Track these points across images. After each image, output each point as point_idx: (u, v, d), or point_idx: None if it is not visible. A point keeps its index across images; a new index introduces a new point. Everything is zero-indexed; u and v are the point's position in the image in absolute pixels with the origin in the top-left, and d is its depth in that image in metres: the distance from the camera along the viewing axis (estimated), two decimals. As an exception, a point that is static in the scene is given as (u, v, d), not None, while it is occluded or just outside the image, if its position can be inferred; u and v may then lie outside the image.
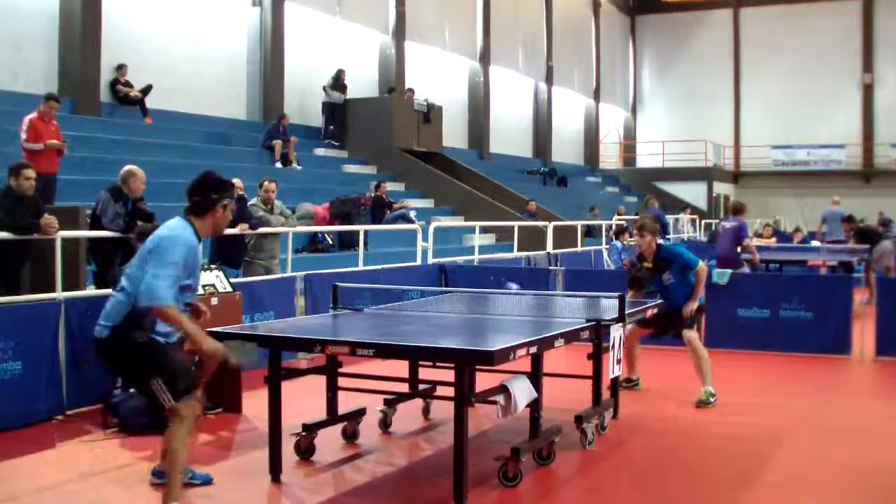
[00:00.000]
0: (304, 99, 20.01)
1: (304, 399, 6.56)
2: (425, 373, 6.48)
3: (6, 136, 11.18)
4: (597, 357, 6.12)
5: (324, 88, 19.85)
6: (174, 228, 4.62)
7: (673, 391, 8.04)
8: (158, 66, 16.32)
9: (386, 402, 6.46)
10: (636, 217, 21.00)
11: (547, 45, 31.05)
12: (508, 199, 21.20)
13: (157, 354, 4.58)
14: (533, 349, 4.96)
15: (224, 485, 5.36)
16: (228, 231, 9.48)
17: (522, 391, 5.21)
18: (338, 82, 19.85)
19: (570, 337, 5.49)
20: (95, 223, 8.11)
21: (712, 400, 7.33)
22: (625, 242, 16.82)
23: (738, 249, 12.61)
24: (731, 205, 13.91)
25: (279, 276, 9.89)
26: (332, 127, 20.11)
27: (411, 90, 21.81)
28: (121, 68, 15.51)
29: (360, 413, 6.22)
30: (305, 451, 5.73)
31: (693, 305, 7.44)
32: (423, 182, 20.39)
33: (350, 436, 6.17)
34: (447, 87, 25.50)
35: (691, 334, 7.42)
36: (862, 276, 12.96)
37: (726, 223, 12.95)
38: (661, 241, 8.04)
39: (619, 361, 6.33)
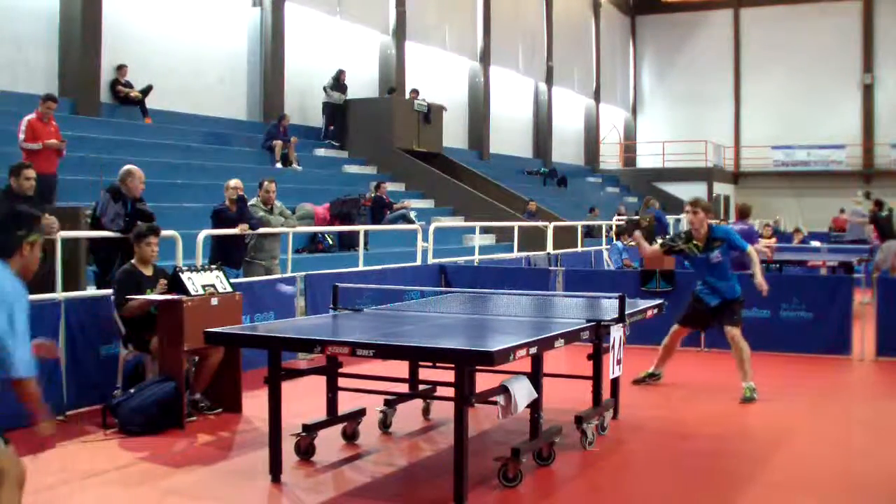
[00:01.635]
0: (304, 99, 20.01)
1: (304, 399, 6.57)
2: (425, 373, 6.48)
3: (6, 136, 11.18)
4: (597, 357, 6.12)
5: (324, 89, 19.85)
6: (13, 281, 3.80)
7: (673, 392, 8.05)
8: (158, 67, 16.32)
9: (386, 402, 6.45)
10: (636, 217, 21.03)
11: (547, 45, 31.05)
12: (508, 200, 21.20)
13: None
14: (533, 350, 4.96)
15: (224, 485, 5.37)
16: (229, 231, 9.53)
17: (522, 391, 5.21)
18: (338, 83, 19.86)
19: (570, 337, 5.49)
20: (95, 223, 8.12)
21: (755, 395, 7.48)
22: (625, 242, 16.83)
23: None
24: (740, 208, 13.98)
25: (279, 276, 9.89)
26: (332, 127, 20.11)
27: (415, 91, 21.82)
28: (121, 69, 15.50)
29: (360, 413, 6.22)
30: (305, 451, 5.73)
31: (761, 278, 7.66)
32: (423, 182, 20.39)
33: (350, 436, 6.18)
34: (447, 87, 25.50)
35: (735, 331, 7.62)
36: (862, 276, 12.94)
37: (736, 226, 13.01)
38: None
39: (618, 362, 6.33)
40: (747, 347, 7.62)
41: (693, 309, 7.97)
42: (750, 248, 7.79)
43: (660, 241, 8.26)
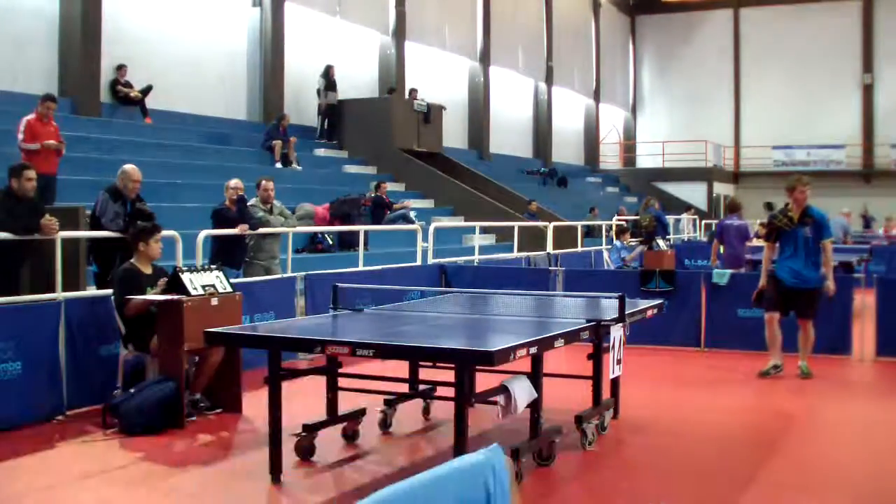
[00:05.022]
0: (303, 99, 20.01)
1: (304, 399, 6.57)
2: (425, 373, 6.47)
3: (6, 136, 11.18)
4: (597, 357, 6.11)
5: (317, 91, 19.79)
6: None
7: (673, 391, 8.04)
8: (158, 66, 16.32)
9: (386, 402, 6.45)
10: (636, 217, 21.04)
11: (547, 45, 31.05)
12: (508, 200, 21.20)
13: None
14: (533, 349, 4.96)
15: (224, 485, 5.36)
16: (229, 231, 9.51)
17: (522, 391, 5.20)
18: (328, 79, 19.67)
19: (570, 337, 5.49)
20: (95, 223, 8.12)
21: (811, 373, 8.32)
22: (625, 242, 16.84)
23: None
24: (730, 203, 13.87)
25: (279, 276, 9.89)
26: (326, 127, 20.11)
27: (414, 90, 21.81)
28: (121, 69, 15.50)
29: (360, 413, 6.22)
30: (305, 451, 5.73)
31: (832, 284, 8.19)
32: (423, 182, 20.39)
33: (350, 436, 6.17)
34: (447, 87, 25.50)
35: (809, 322, 8.28)
36: (862, 276, 12.93)
37: (731, 222, 12.89)
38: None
39: (618, 362, 6.32)
40: (813, 336, 8.31)
41: (773, 289, 8.29)
42: (828, 243, 8.21)
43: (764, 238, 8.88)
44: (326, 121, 20.14)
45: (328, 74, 19.72)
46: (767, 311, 8.41)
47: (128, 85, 15.65)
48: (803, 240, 8.10)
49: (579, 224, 18.91)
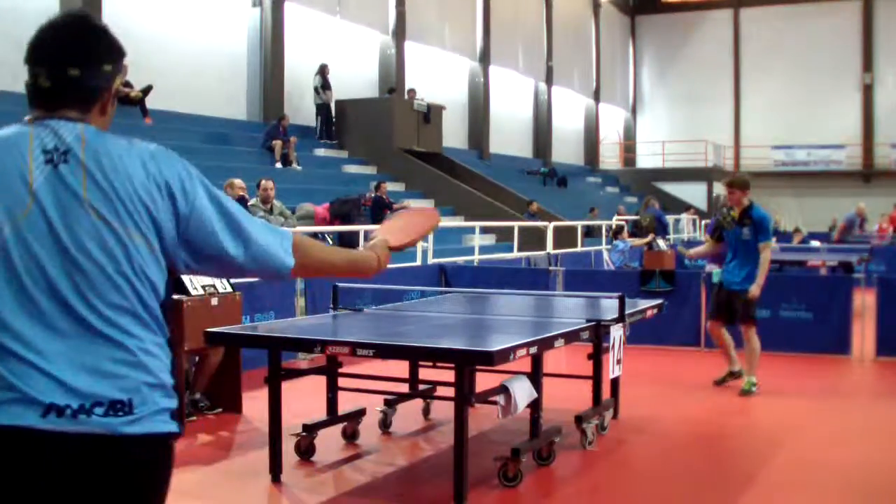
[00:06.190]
0: (303, 99, 20.02)
1: (304, 399, 6.56)
2: (425, 373, 6.47)
3: (6, 136, 11.20)
4: (597, 357, 6.11)
5: (315, 89, 19.80)
6: None
7: (673, 392, 8.04)
8: (158, 66, 16.31)
9: (386, 402, 6.45)
10: (636, 217, 21.05)
11: (547, 45, 31.05)
12: (508, 200, 21.21)
13: None
14: (533, 349, 4.96)
15: (224, 485, 5.37)
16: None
17: (522, 391, 5.20)
18: (324, 78, 19.66)
19: (570, 337, 5.49)
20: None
21: (755, 390, 7.66)
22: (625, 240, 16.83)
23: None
24: (718, 200, 13.85)
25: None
26: (323, 126, 20.13)
27: (413, 90, 21.82)
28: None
29: (360, 413, 6.22)
30: (305, 451, 5.73)
31: (757, 291, 7.66)
32: (423, 182, 20.40)
33: (350, 436, 6.17)
34: (447, 87, 25.50)
35: (750, 330, 7.77)
36: (862, 276, 12.94)
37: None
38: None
39: (618, 362, 6.32)
40: (758, 346, 7.75)
41: (716, 296, 8.06)
42: (766, 244, 7.79)
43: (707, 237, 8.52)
44: (324, 119, 20.13)
45: (323, 73, 19.72)
46: (709, 319, 8.18)
47: (128, 85, 15.62)
48: (740, 241, 7.82)
49: (579, 224, 18.91)
